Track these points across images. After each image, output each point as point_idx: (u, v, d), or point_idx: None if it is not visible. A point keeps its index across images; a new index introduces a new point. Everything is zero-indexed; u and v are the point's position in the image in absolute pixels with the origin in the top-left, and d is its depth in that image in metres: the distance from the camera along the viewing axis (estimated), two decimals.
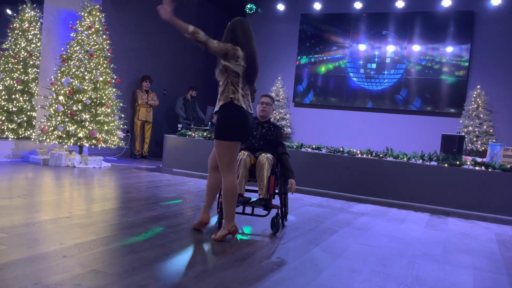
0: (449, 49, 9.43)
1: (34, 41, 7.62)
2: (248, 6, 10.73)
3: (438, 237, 4.25)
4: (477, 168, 5.96)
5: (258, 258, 3.09)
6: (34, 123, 7.44)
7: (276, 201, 4.13)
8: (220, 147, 3.35)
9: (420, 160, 6.29)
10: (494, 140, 8.41)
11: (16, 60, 7.47)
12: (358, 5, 10.05)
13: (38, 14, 7.66)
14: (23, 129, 7.47)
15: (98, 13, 7.34)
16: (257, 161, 3.90)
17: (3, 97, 7.36)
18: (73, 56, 7.09)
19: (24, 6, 7.56)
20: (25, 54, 7.53)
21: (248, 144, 4.10)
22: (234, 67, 3.32)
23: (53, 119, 6.89)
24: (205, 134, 7.67)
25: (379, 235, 4.13)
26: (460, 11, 9.32)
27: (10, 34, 7.54)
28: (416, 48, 9.72)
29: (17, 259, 2.61)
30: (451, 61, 9.43)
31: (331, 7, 10.44)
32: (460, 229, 4.74)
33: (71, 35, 7.21)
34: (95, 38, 7.22)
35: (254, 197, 4.05)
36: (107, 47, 7.42)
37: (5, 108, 7.35)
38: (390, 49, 9.94)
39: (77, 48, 7.12)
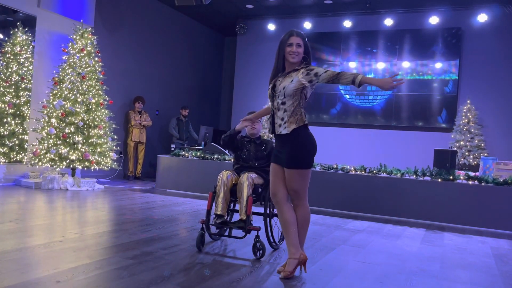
0: (438, 65, 9.58)
1: (26, 64, 7.62)
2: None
3: (435, 253, 4.23)
4: (470, 182, 5.99)
5: (255, 278, 3.05)
6: (26, 146, 7.39)
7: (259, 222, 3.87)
8: (305, 175, 3.18)
9: (414, 176, 6.31)
10: (486, 154, 8.47)
11: (7, 84, 7.45)
12: (347, 24, 10.19)
13: (29, 38, 7.68)
14: (14, 153, 7.41)
15: (90, 36, 7.39)
16: (238, 181, 3.77)
17: None
18: (65, 79, 7.09)
19: (16, 30, 7.59)
20: (17, 77, 7.52)
21: (241, 162, 4.06)
22: (310, 91, 3.27)
23: (46, 142, 6.85)
24: (198, 153, 7.65)
25: (376, 252, 4.11)
26: (447, 28, 9.50)
27: (1, 58, 7.54)
28: (406, 64, 9.85)
29: (9, 285, 2.55)
30: (440, 76, 9.57)
31: (321, 26, 10.59)
32: (456, 244, 4.73)
33: (63, 58, 7.23)
34: (87, 60, 7.25)
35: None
36: (99, 69, 7.44)
37: None
38: (380, 66, 10.07)
39: (69, 70, 7.13)
